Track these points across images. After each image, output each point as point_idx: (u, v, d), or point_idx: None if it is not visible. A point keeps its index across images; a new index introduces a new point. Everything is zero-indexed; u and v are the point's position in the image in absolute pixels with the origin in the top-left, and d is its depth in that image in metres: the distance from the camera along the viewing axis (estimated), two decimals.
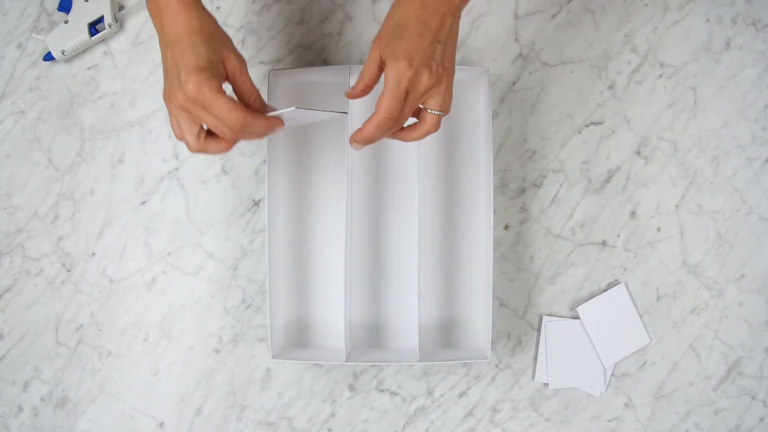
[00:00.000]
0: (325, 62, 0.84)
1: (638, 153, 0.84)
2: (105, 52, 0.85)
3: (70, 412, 0.85)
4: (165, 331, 0.85)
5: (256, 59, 0.85)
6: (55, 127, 0.85)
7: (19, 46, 0.85)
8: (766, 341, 0.84)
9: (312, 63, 0.84)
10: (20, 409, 0.85)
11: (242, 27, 0.85)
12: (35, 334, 0.85)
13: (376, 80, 0.64)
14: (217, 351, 0.85)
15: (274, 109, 0.63)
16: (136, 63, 0.85)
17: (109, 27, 0.82)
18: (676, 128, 0.84)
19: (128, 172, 0.85)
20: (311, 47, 0.85)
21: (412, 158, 0.82)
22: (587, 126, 0.84)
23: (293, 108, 0.61)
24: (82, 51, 0.83)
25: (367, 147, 0.83)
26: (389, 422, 0.84)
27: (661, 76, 0.84)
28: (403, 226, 0.83)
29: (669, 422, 0.84)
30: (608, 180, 0.84)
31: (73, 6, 0.81)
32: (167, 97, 0.61)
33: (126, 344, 0.85)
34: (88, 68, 0.85)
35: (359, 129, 0.63)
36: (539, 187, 0.84)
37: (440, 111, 0.63)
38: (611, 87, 0.84)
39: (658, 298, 0.84)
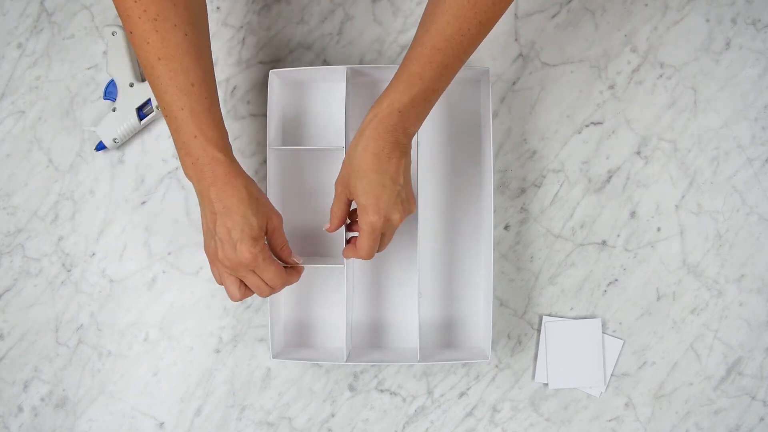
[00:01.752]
0: (325, 62, 0.84)
1: (638, 153, 0.84)
2: (105, 52, 0.85)
3: (70, 412, 0.85)
4: (165, 331, 0.85)
5: (256, 59, 0.85)
6: (55, 127, 0.85)
7: (19, 46, 0.85)
8: (766, 341, 0.84)
9: (312, 63, 0.84)
10: (20, 409, 0.85)
11: (242, 27, 0.85)
12: (35, 334, 0.85)
13: (346, 214, 0.72)
14: (217, 351, 0.85)
15: (297, 256, 0.72)
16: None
17: (157, 109, 0.82)
18: (676, 128, 0.84)
19: (128, 172, 0.85)
20: (311, 47, 0.85)
21: (412, 158, 0.81)
22: (587, 126, 0.84)
23: (302, 260, 0.72)
24: (132, 136, 0.83)
25: None
26: (389, 422, 0.84)
27: (661, 76, 0.84)
28: (404, 226, 0.83)
29: (669, 422, 0.84)
30: (608, 180, 0.84)
31: (118, 93, 0.81)
32: (213, 256, 0.67)
33: (126, 344, 0.85)
34: (88, 68, 0.85)
35: (348, 250, 0.72)
36: (539, 187, 0.84)
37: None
38: (611, 87, 0.84)
39: (658, 298, 0.84)
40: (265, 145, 0.84)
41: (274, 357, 0.78)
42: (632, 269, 0.84)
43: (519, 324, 0.84)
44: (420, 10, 0.84)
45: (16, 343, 0.85)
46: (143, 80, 0.82)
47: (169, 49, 0.63)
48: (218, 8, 0.85)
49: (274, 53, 0.85)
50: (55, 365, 0.85)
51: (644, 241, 0.84)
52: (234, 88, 0.85)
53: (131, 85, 0.81)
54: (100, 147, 0.83)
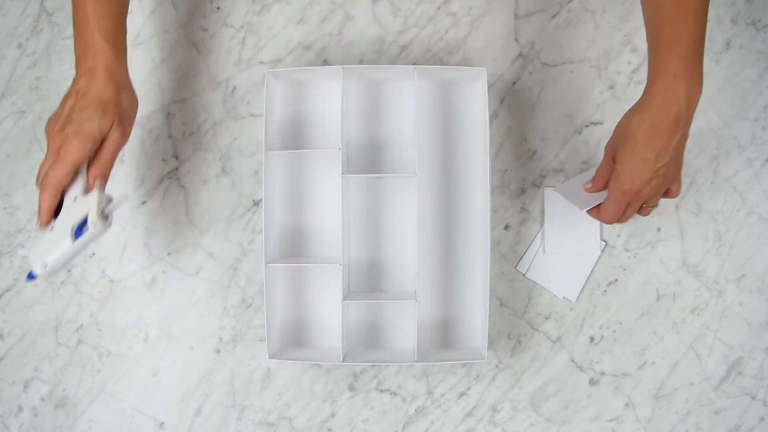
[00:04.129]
0: (325, 62, 0.84)
1: None
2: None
3: (70, 412, 0.85)
4: (165, 331, 0.85)
5: (256, 59, 0.85)
6: None
7: (19, 46, 0.85)
8: (766, 341, 0.84)
9: (312, 63, 0.84)
10: (20, 409, 0.85)
11: (242, 27, 0.85)
12: (35, 334, 0.85)
13: (609, 177, 0.71)
14: (217, 351, 0.85)
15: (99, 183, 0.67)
16: (135, 63, 0.85)
17: (94, 226, 0.65)
18: None
19: (128, 172, 0.85)
20: (311, 47, 0.85)
21: (411, 158, 0.82)
22: (587, 126, 0.84)
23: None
24: (68, 260, 0.67)
25: (365, 146, 0.83)
26: (389, 422, 0.84)
27: None
28: (401, 226, 0.83)
29: (669, 422, 0.84)
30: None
31: (62, 210, 0.67)
32: (51, 120, 0.68)
33: (126, 344, 0.85)
34: None
35: (593, 211, 0.74)
36: (539, 187, 0.84)
37: (654, 206, 0.72)
38: (611, 87, 0.84)
39: (658, 298, 0.84)
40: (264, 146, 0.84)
41: (271, 357, 0.78)
42: (632, 269, 0.84)
43: (519, 324, 0.84)
44: (420, 10, 0.84)
45: (16, 343, 0.85)
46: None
47: None
48: (218, 8, 0.85)
49: (274, 53, 0.85)
50: (55, 365, 0.85)
51: (644, 241, 0.84)
52: (234, 88, 0.85)
53: (75, 200, 0.67)
54: (30, 277, 0.67)
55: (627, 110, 0.68)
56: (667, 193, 0.72)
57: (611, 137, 0.70)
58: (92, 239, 0.66)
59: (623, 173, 0.67)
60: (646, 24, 0.68)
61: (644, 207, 0.72)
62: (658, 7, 0.65)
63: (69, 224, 0.66)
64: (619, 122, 0.69)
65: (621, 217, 0.71)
